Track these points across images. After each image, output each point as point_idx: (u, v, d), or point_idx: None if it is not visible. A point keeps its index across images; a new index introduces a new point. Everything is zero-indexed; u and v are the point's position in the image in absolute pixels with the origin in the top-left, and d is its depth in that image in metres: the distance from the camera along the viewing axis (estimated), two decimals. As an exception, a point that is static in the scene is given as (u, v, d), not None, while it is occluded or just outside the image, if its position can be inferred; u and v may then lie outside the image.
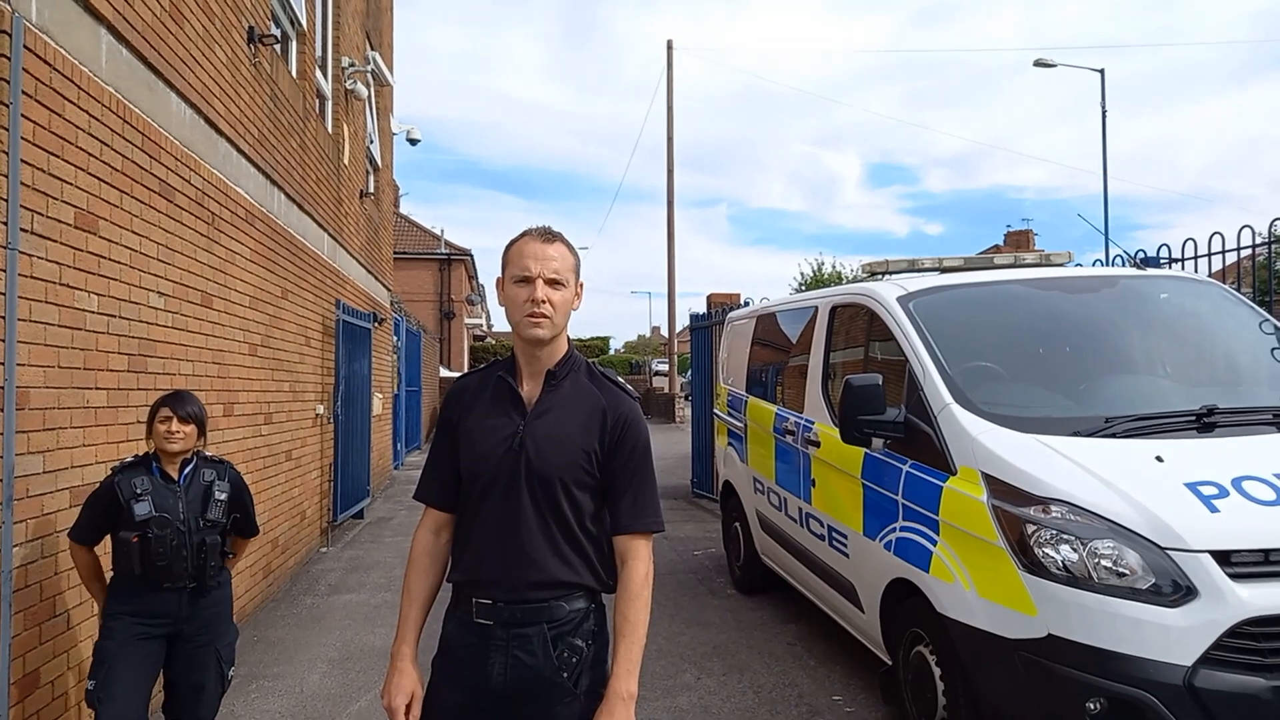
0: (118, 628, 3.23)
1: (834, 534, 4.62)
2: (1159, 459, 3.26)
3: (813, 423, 4.97)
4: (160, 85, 4.77)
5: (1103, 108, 25.09)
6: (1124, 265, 6.11)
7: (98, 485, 3.41)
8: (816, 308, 5.23)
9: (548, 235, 2.09)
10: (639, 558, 2.07)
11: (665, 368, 31.48)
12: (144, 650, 3.24)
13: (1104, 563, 3.06)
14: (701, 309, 12.31)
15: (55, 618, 3.67)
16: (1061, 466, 3.30)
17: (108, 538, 3.35)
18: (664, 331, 33.84)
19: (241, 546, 3.73)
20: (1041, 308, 4.32)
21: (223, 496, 3.42)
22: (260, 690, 4.98)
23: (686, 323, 14.02)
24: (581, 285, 2.15)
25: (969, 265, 5.08)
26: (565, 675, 2.00)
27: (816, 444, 4.83)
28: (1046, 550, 3.16)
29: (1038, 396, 3.90)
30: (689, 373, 15.90)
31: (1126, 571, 3.03)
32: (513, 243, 2.11)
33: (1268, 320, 4.28)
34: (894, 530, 3.94)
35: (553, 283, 2.05)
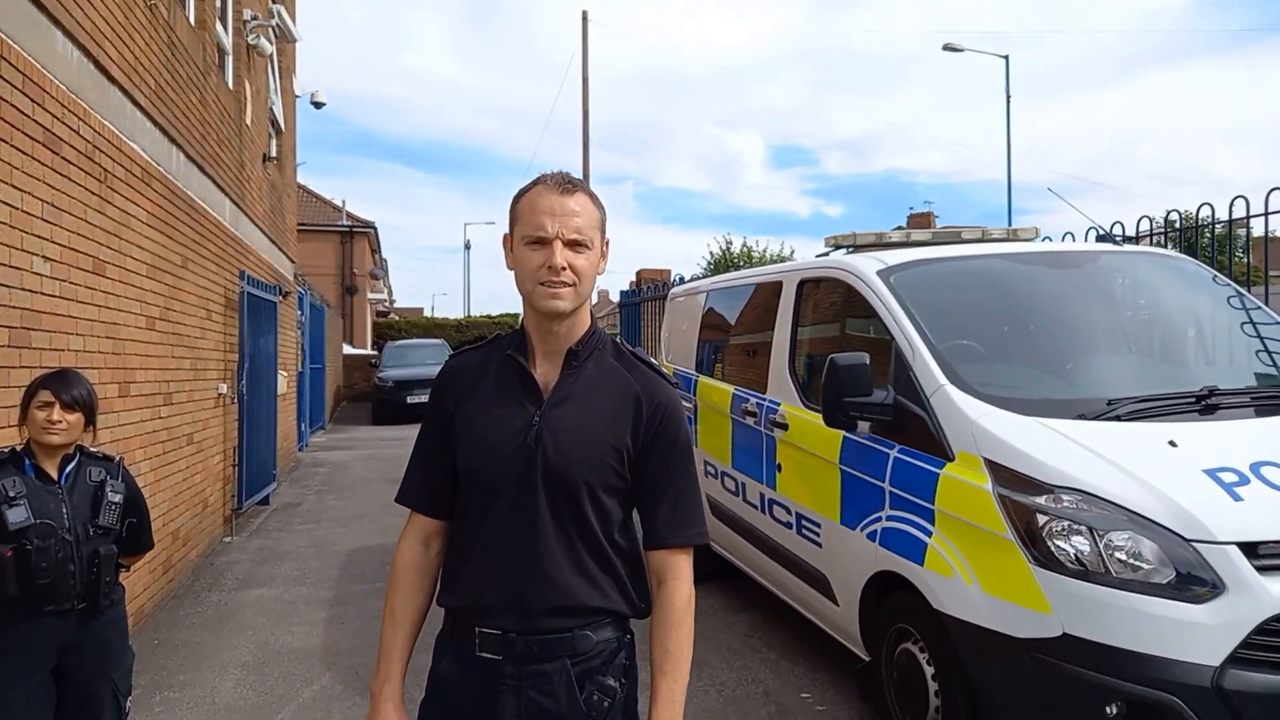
0: None
1: (804, 522, 4.36)
2: (1172, 443, 3.09)
3: (778, 404, 4.69)
4: (44, 21, 4.13)
5: (1007, 92, 25.86)
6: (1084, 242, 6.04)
7: None
8: (781, 282, 4.94)
9: (567, 184, 1.70)
10: (680, 576, 1.72)
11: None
12: (30, 701, 2.66)
13: (1121, 555, 2.87)
14: (613, 286, 11.98)
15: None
16: (1071, 451, 3.09)
17: None
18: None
19: (133, 563, 3.15)
20: (1026, 284, 4.13)
21: (116, 498, 2.86)
22: (166, 703, 4.45)
23: (594, 300, 13.67)
24: (608, 243, 1.77)
25: (936, 239, 4.87)
26: None
27: (784, 426, 4.56)
28: (1059, 542, 2.95)
29: (1032, 377, 3.70)
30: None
31: (1146, 564, 2.84)
32: (523, 193, 1.71)
33: (1240, 294, 4.21)
34: (879, 519, 3.69)
35: (574, 244, 1.66)
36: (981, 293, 4.10)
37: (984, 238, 4.80)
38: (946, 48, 24.33)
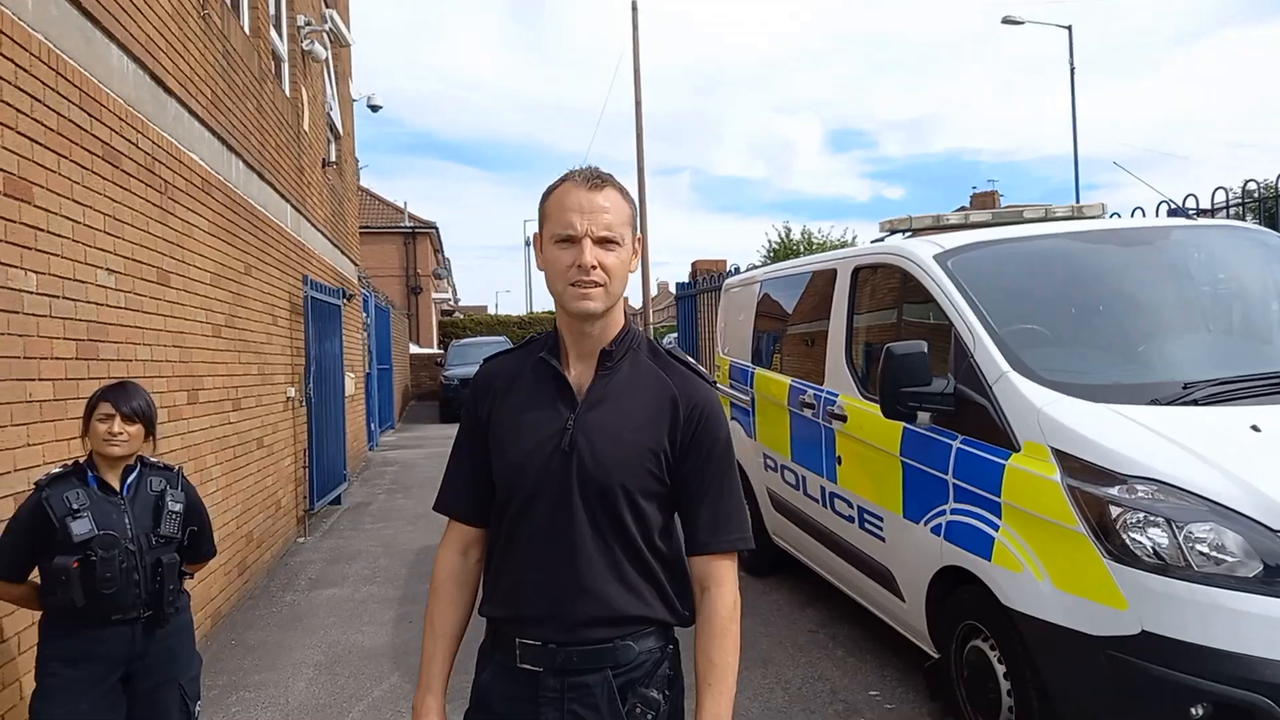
0: (58, 685, 2.68)
1: (866, 516, 4.25)
2: (1255, 428, 2.91)
3: (836, 395, 4.58)
4: (98, 35, 4.22)
5: (1071, 64, 24.90)
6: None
7: (20, 506, 2.84)
8: (835, 269, 4.82)
9: (596, 180, 1.64)
10: (724, 583, 1.66)
11: (638, 337, 31.00)
12: (98, 710, 2.71)
13: (1203, 547, 2.71)
14: (671, 278, 11.92)
15: (2, 642, 3.20)
16: (1145, 439, 2.93)
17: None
18: (634, 301, 33.44)
19: (196, 570, 3.19)
20: (1093, 263, 3.94)
21: (177, 508, 2.88)
22: (241, 702, 4.55)
23: (655, 292, 13.59)
24: (639, 239, 1.71)
25: (997, 220, 4.69)
26: None
27: (842, 418, 4.45)
28: (1134, 535, 2.80)
29: (1101, 361, 3.53)
30: (665, 340, 15.53)
31: (1230, 557, 2.68)
32: (551, 190, 1.66)
33: None
34: (943, 513, 3.57)
35: (604, 241, 1.61)
36: (1045, 274, 3.92)
37: (1047, 216, 4.60)
38: (1006, 20, 23.59)
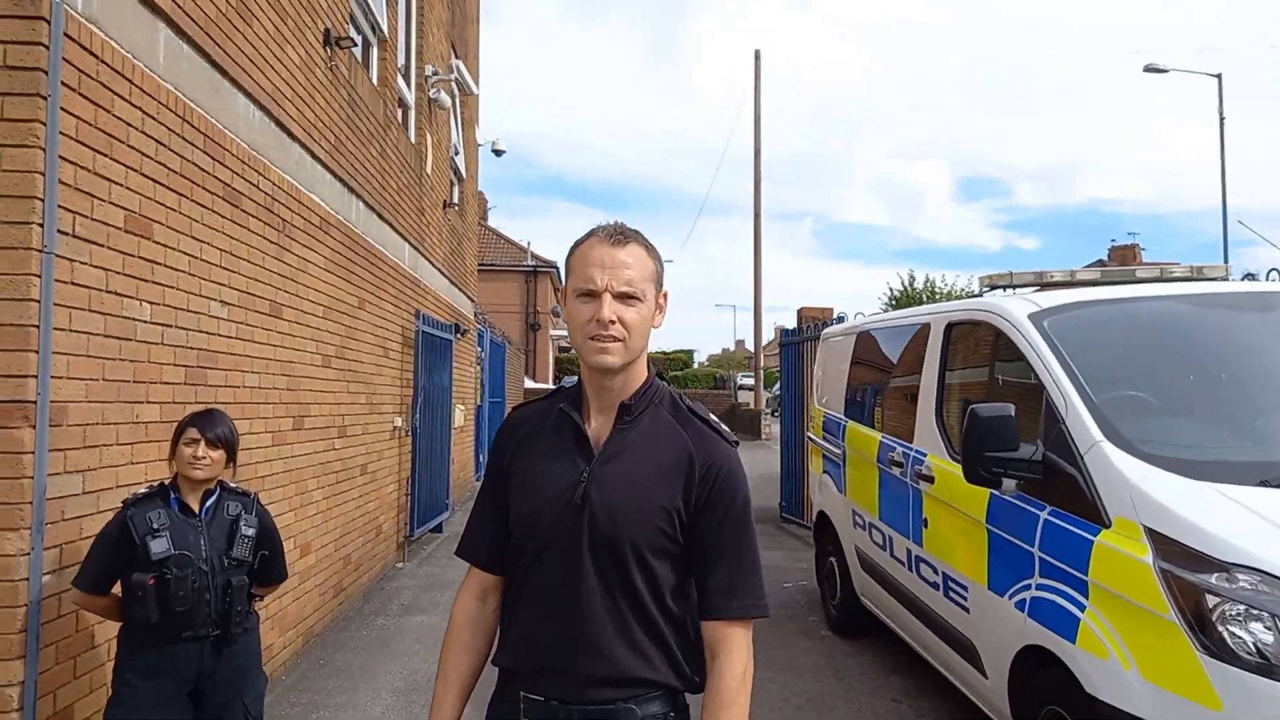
0: (131, 695, 2.84)
1: (950, 584, 4.04)
2: (1379, 520, 2.63)
3: (925, 454, 4.40)
4: (226, 85, 4.53)
5: (1220, 115, 23.53)
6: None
7: (107, 523, 3.03)
8: (929, 324, 4.66)
9: (619, 236, 1.64)
10: (734, 651, 1.60)
11: (751, 382, 30.76)
12: (166, 715, 2.84)
13: (1312, 649, 2.45)
14: (787, 323, 11.76)
15: (93, 649, 3.39)
16: (1250, 524, 2.69)
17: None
18: (749, 345, 33.19)
19: (268, 593, 3.33)
20: (1205, 328, 3.68)
21: (250, 532, 3.02)
22: (320, 724, 4.67)
23: (772, 336, 13.46)
24: (665, 295, 1.70)
25: (1107, 279, 4.44)
26: None
27: (930, 479, 4.27)
28: (1233, 629, 2.56)
29: (1207, 434, 3.28)
30: (775, 387, 15.31)
31: (1343, 662, 2.41)
32: (577, 245, 1.67)
33: None
34: (1028, 588, 3.36)
35: (625, 297, 1.60)
36: (1150, 338, 3.68)
37: (1162, 276, 4.33)
38: (1149, 69, 22.55)
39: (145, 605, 2.81)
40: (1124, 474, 3.00)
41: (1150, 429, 3.24)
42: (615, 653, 1.58)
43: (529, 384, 27.82)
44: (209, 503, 3.02)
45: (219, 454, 3.01)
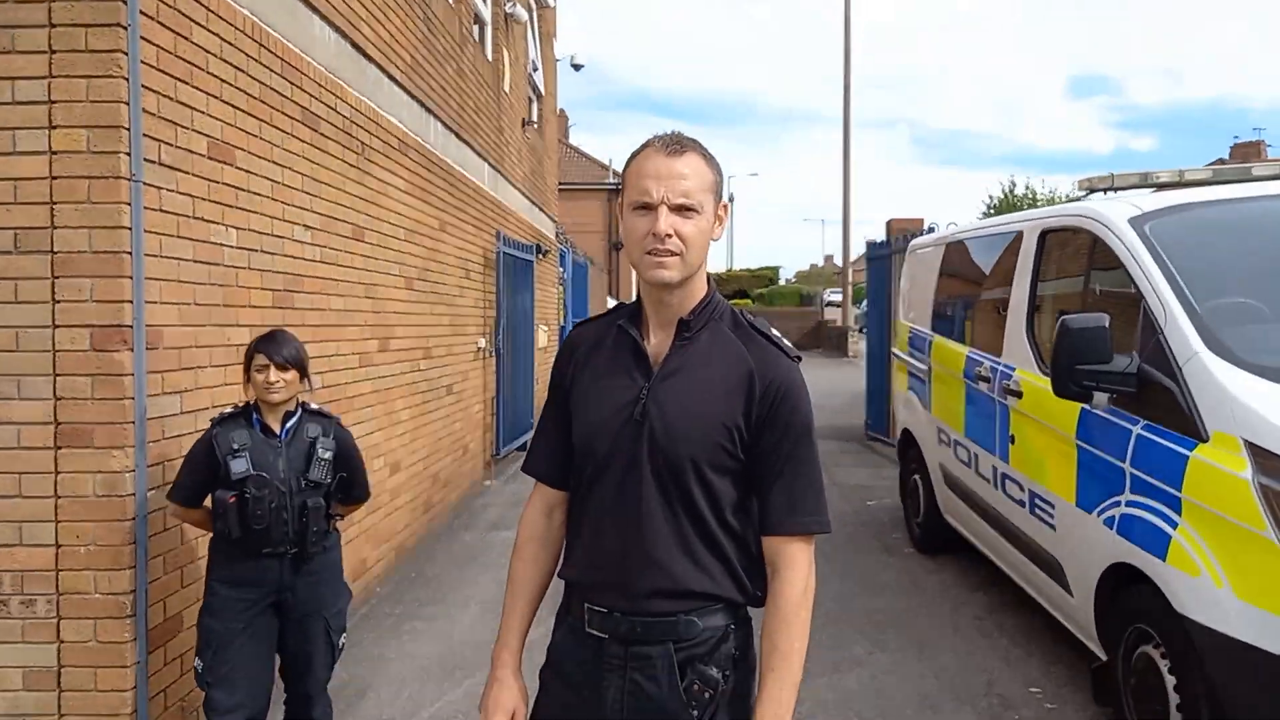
0: (219, 603, 2.99)
1: (1037, 501, 3.94)
2: None
3: (1013, 369, 4.25)
4: (301, 8, 4.53)
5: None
6: None
7: (196, 440, 3.14)
8: (1021, 233, 4.45)
9: (675, 145, 1.58)
10: (795, 566, 1.59)
11: (838, 299, 30.20)
12: (253, 628, 2.99)
13: None
14: (879, 236, 11.37)
15: (197, 560, 3.60)
16: (1363, 438, 2.52)
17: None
18: (837, 261, 32.49)
19: (348, 512, 3.39)
20: (1327, 230, 3.41)
21: (327, 455, 3.08)
22: (412, 633, 4.90)
23: (862, 251, 13.10)
24: (725, 207, 1.64)
25: (1219, 178, 4.14)
26: (695, 713, 1.57)
27: (1018, 394, 4.13)
28: (1338, 547, 2.43)
29: (1322, 344, 3.07)
30: (863, 304, 15.02)
31: None
32: (633, 157, 1.62)
33: None
34: (1118, 505, 3.25)
35: (682, 209, 1.55)
36: (1263, 241, 3.43)
37: (1281, 174, 4.01)
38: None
39: (227, 521, 2.93)
40: (1224, 385, 2.84)
41: (1256, 338, 3.05)
42: (675, 567, 1.58)
43: (612, 304, 27.97)
44: (289, 424, 3.10)
45: (291, 374, 3.05)
